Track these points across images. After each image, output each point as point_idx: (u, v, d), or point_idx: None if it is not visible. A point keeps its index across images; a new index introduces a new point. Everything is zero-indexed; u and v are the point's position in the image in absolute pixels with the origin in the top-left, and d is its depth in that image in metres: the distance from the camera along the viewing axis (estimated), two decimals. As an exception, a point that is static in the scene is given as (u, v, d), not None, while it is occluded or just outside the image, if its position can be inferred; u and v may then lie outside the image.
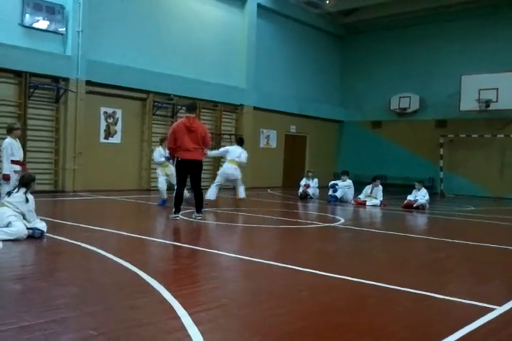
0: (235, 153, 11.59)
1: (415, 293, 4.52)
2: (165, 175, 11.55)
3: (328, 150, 23.31)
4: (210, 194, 11.55)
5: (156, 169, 12.31)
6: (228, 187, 17.95)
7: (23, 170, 9.24)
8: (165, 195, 11.51)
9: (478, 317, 3.81)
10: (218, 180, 11.78)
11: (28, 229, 6.45)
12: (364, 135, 22.75)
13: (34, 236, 6.45)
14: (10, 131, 9.26)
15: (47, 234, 6.60)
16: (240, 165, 11.69)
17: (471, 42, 19.94)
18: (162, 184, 11.54)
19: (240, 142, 12.06)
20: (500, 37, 19.23)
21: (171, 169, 11.19)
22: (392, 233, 8.64)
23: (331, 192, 14.37)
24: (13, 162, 9.30)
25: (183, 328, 3.34)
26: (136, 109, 15.94)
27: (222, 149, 12.15)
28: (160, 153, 11.44)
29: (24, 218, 6.57)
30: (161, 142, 11.65)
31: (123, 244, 6.78)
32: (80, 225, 7.96)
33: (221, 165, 12.96)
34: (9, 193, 6.78)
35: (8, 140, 9.11)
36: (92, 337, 3.17)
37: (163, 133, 15.32)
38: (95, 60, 14.34)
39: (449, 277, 5.48)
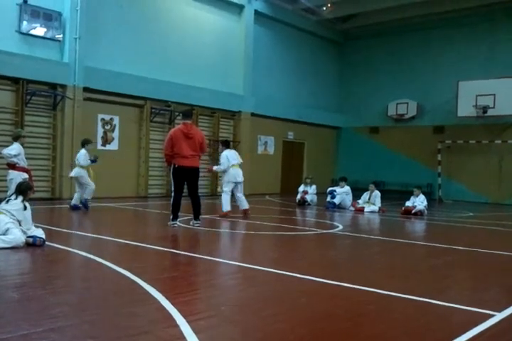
0: (234, 156, 11.30)
1: (414, 300, 4.50)
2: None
3: (326, 156, 23.33)
4: (226, 205, 10.98)
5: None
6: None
7: (30, 177, 9.33)
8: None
9: (478, 324, 3.80)
10: (228, 187, 11.13)
11: (28, 237, 6.41)
12: (362, 141, 22.78)
13: (36, 244, 6.38)
14: (17, 138, 9.54)
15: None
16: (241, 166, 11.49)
17: (468, 48, 20.03)
18: (91, 182, 11.29)
19: (228, 145, 11.75)
20: (496, 43, 19.34)
21: (91, 173, 11.33)
22: (391, 239, 8.63)
23: (329, 198, 14.35)
24: (20, 169, 9.39)
25: (182, 336, 3.32)
26: (134, 116, 15.94)
27: (222, 160, 11.26)
28: (87, 156, 11.22)
29: (20, 225, 6.53)
30: (84, 145, 11.37)
31: (121, 252, 6.76)
32: (78, 233, 7.93)
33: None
34: (7, 200, 6.74)
35: (18, 145, 9.38)
36: (90, 345, 3.15)
37: (161, 140, 15.34)
38: (93, 66, 14.35)
39: (448, 283, 5.47)
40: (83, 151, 11.25)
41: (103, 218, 10.77)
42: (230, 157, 11.20)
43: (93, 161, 11.36)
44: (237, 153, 11.60)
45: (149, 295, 4.32)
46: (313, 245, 8.15)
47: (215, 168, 11.79)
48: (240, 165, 11.45)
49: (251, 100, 19.20)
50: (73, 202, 11.31)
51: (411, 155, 21.18)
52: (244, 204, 11.31)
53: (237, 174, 11.19)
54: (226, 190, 11.14)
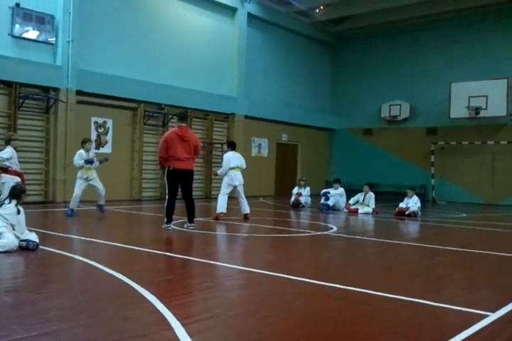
0: (236, 159, 11.16)
1: (408, 301, 4.51)
2: (84, 179, 10.76)
3: (320, 158, 23.37)
4: (222, 206, 10.93)
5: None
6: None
7: (22, 180, 9.29)
8: (76, 205, 10.83)
9: (471, 324, 3.80)
10: (227, 189, 11.09)
11: (21, 241, 6.39)
12: (355, 143, 22.84)
13: (29, 247, 6.36)
14: (9, 141, 9.47)
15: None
16: (242, 170, 11.30)
17: (460, 50, 20.14)
18: (79, 189, 10.70)
19: (233, 146, 11.47)
20: (489, 44, 19.45)
21: (94, 173, 10.86)
22: (385, 240, 8.64)
23: (323, 200, 14.36)
24: (12, 172, 9.34)
25: (177, 339, 3.31)
26: (127, 119, 15.92)
27: (225, 161, 11.12)
28: (81, 156, 10.75)
29: (13, 229, 6.50)
30: (83, 144, 10.90)
31: (115, 255, 6.73)
32: (72, 236, 7.90)
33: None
34: (1, 204, 6.70)
35: (10, 149, 9.32)
36: (84, 349, 3.14)
37: (155, 143, 15.33)
38: (85, 69, 14.33)
39: (441, 284, 5.48)
40: (78, 151, 10.90)
41: (96, 221, 10.71)
42: (231, 159, 11.07)
43: (88, 162, 10.76)
44: (241, 157, 11.38)
45: (144, 298, 4.31)
46: (308, 247, 8.15)
47: (218, 171, 11.54)
48: (243, 170, 11.33)
49: (244, 102, 19.22)
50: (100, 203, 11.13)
51: (404, 157, 21.26)
52: (246, 208, 11.22)
53: (235, 177, 11.04)
54: (223, 191, 11.08)
